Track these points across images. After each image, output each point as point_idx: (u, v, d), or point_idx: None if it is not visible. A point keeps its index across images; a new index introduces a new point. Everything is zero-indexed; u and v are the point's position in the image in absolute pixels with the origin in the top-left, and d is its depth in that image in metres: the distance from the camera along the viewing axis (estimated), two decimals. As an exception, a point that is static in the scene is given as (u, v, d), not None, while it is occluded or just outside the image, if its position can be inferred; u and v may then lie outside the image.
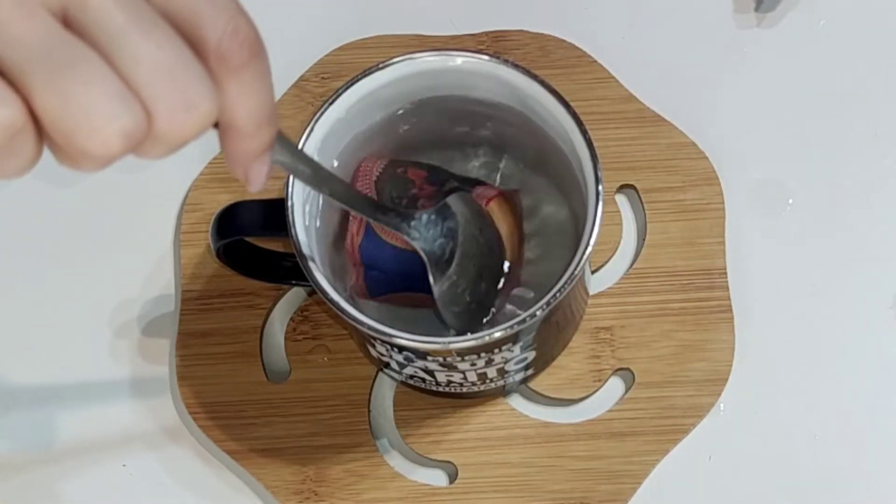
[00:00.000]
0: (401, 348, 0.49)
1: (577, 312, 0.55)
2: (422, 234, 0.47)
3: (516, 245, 0.52)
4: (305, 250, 0.47)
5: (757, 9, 0.62)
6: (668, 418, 0.55)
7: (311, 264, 0.47)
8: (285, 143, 0.39)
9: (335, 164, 0.51)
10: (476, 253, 0.50)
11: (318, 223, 0.51)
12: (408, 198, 0.51)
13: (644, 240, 0.58)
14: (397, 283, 0.51)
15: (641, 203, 0.59)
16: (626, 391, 0.56)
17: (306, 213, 0.49)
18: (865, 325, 0.57)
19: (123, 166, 0.64)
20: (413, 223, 0.47)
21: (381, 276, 0.51)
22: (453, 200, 0.49)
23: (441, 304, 0.48)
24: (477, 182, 0.52)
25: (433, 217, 0.48)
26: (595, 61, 0.60)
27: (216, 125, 0.36)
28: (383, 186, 0.51)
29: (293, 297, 0.58)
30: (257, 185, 0.38)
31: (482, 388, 0.53)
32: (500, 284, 0.51)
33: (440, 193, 0.51)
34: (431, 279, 0.48)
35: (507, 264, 0.51)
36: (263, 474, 0.55)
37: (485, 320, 0.51)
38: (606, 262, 0.58)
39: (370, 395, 0.57)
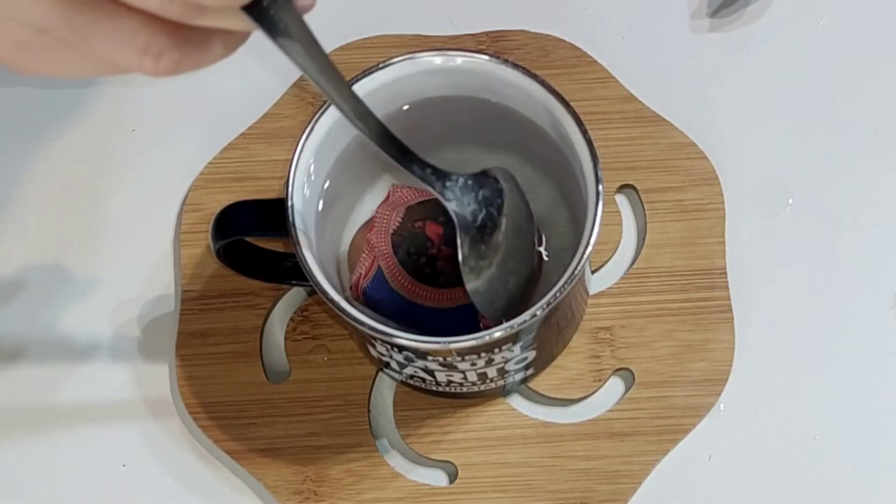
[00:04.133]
0: (401, 348, 0.49)
1: (577, 312, 0.55)
2: (455, 196, 0.46)
3: None
4: (305, 250, 0.47)
5: (711, 15, 0.62)
6: (668, 418, 0.55)
7: (311, 264, 0.47)
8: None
9: (335, 163, 0.51)
10: (514, 235, 0.48)
11: (318, 223, 0.51)
12: (427, 257, 0.51)
13: (644, 240, 0.58)
14: (392, 325, 0.50)
15: (641, 203, 0.59)
16: (626, 391, 0.56)
17: (306, 213, 0.49)
18: (865, 325, 0.57)
19: (123, 164, 0.64)
20: (448, 184, 0.46)
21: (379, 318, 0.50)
22: (498, 171, 0.48)
23: (466, 272, 0.47)
24: None
25: (469, 182, 0.47)
26: (595, 61, 0.60)
27: None
28: (401, 242, 0.51)
29: (293, 297, 0.58)
30: None
31: (482, 387, 0.53)
32: (528, 280, 0.50)
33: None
34: (459, 244, 0.47)
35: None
36: (263, 474, 0.55)
37: (504, 312, 0.48)
38: (606, 262, 0.58)
39: (370, 395, 0.57)
